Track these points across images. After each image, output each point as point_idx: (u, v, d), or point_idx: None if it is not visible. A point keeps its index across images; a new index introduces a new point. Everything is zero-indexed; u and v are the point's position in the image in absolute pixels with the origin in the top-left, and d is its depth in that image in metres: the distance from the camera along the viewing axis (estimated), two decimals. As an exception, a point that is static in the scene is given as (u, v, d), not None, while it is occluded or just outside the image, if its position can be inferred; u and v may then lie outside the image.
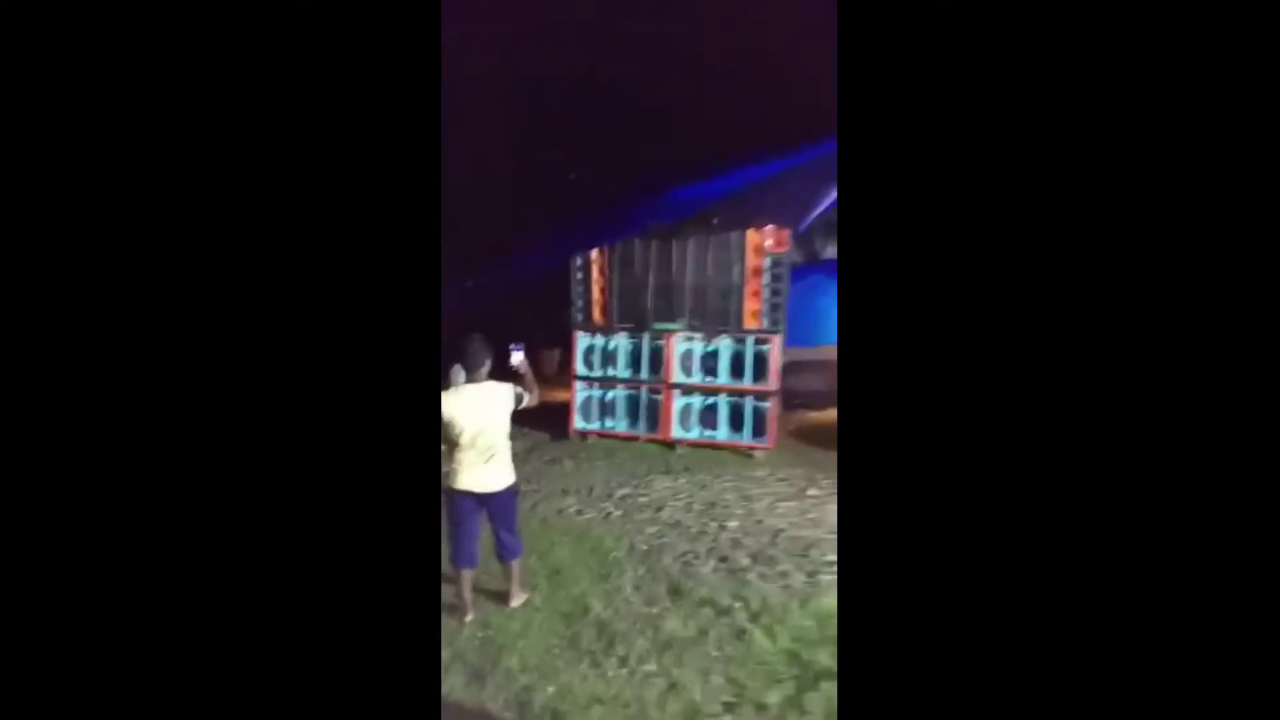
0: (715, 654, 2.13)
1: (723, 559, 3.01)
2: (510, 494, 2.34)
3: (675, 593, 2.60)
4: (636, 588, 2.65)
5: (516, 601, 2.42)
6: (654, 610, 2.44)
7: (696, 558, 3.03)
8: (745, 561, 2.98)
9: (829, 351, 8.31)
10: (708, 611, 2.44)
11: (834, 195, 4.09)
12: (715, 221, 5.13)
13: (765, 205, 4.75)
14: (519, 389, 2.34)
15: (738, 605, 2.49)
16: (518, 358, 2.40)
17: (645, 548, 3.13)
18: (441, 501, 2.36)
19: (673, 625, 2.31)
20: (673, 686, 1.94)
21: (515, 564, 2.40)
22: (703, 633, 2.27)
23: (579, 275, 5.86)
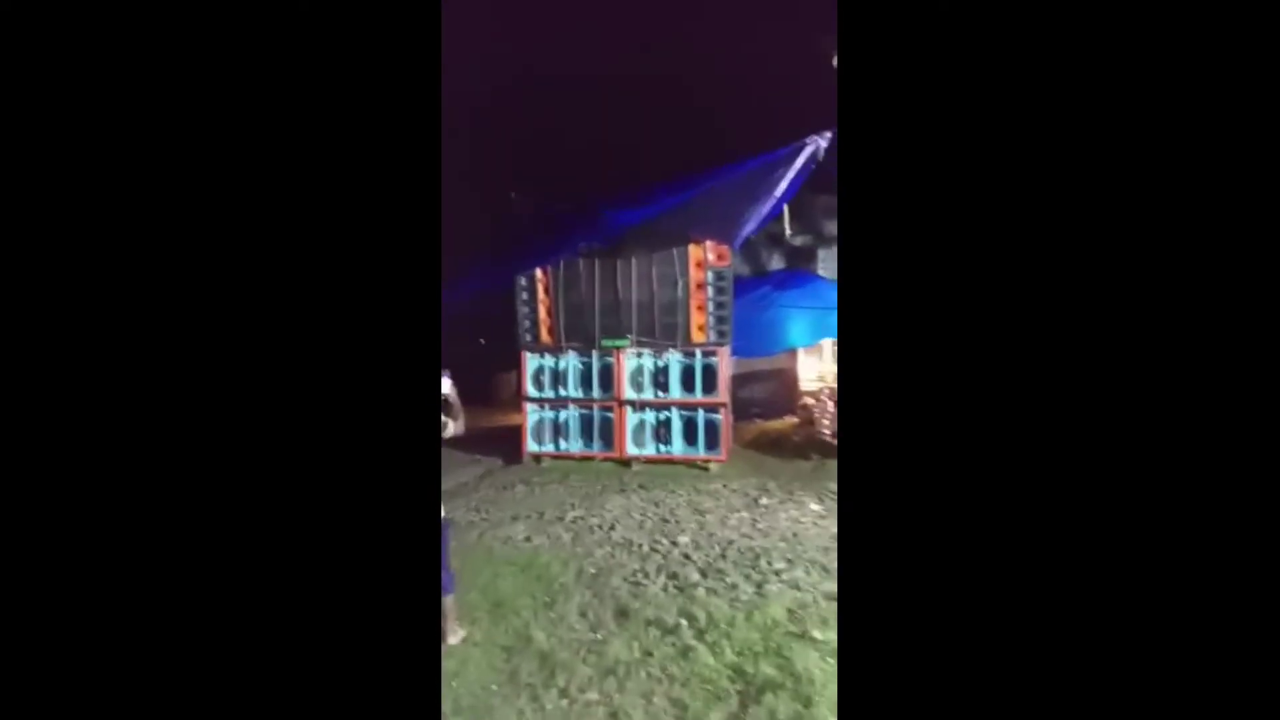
0: (659, 675, 2.08)
1: (672, 575, 2.97)
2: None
3: (622, 615, 2.54)
4: (582, 613, 2.57)
5: (453, 639, 2.31)
6: (598, 635, 2.38)
7: (646, 577, 2.97)
8: (695, 577, 2.95)
9: (780, 362, 8.48)
10: (654, 632, 2.38)
11: (764, 211, 4.21)
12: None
13: (698, 222, 4.83)
14: (444, 417, 2.27)
15: (684, 623, 2.45)
16: (445, 385, 2.33)
17: (594, 571, 3.06)
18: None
19: (617, 649, 2.25)
20: (614, 714, 1.87)
21: (448, 600, 2.29)
22: (647, 654, 2.22)
23: (524, 296, 5.80)
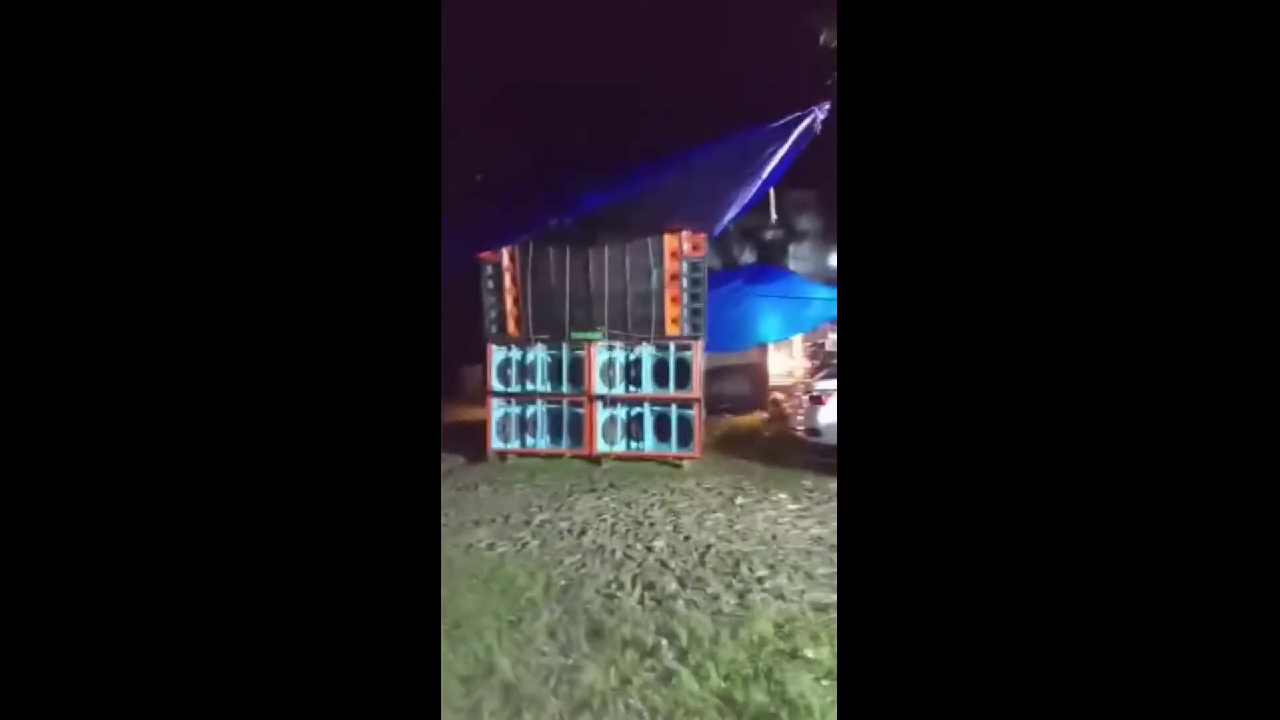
0: (639, 707, 1.87)
1: (649, 586, 2.77)
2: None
3: (596, 634, 2.32)
4: (551, 634, 2.34)
5: (405, 669, 2.05)
6: (570, 660, 2.15)
7: (621, 588, 2.76)
8: (673, 587, 2.76)
9: (751, 356, 8.39)
10: (631, 654, 2.17)
11: (750, 194, 4.00)
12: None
13: (678, 206, 4.60)
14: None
15: (664, 642, 2.25)
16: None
17: (564, 582, 2.83)
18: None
19: (591, 677, 2.03)
20: (589, 757, 1.66)
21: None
22: (625, 682, 2.01)
23: (490, 284, 5.48)
